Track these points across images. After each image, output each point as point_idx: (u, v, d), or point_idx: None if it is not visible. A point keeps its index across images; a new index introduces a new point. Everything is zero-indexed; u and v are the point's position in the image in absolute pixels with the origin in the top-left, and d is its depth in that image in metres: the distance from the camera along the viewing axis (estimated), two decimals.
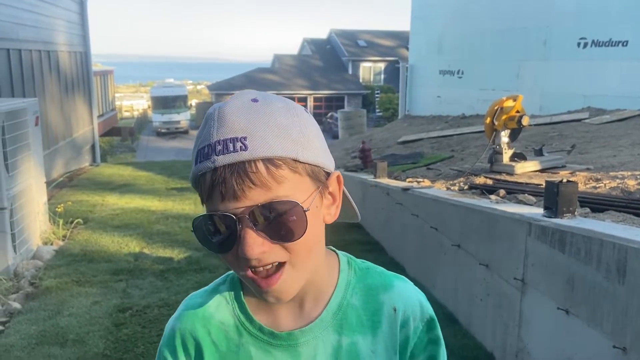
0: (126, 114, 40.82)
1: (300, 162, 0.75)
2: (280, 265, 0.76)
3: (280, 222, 0.73)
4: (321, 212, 0.80)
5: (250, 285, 0.78)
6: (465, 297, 4.05)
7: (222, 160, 0.72)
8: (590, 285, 2.61)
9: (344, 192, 0.85)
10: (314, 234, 0.78)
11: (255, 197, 0.72)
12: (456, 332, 3.92)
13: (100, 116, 16.09)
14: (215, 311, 0.87)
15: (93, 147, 13.63)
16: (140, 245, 6.10)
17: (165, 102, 32.47)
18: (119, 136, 22.64)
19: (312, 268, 0.80)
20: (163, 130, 31.44)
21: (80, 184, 9.85)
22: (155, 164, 14.19)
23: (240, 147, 0.72)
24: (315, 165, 0.77)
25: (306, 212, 0.74)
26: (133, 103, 45.06)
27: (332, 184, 0.81)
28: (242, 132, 0.72)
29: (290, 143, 0.74)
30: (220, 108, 0.76)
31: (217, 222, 0.74)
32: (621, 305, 2.41)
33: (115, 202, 8.33)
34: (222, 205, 0.73)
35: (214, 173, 0.72)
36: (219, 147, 0.72)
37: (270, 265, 0.75)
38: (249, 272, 0.76)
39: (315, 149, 0.78)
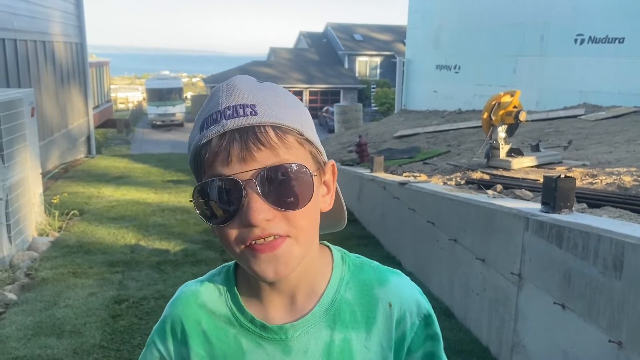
0: (121, 106, 40.63)
1: (304, 136, 0.75)
2: (282, 238, 0.74)
3: (287, 188, 0.72)
4: (319, 195, 0.79)
5: (247, 261, 0.75)
6: (462, 292, 4.07)
7: (232, 123, 0.72)
8: (587, 280, 2.62)
9: (336, 187, 0.84)
10: (315, 210, 0.77)
11: (263, 160, 0.71)
12: (452, 326, 3.94)
13: (95, 108, 16.02)
14: (208, 301, 0.86)
15: (88, 138, 13.57)
16: (137, 237, 6.10)
17: (161, 95, 32.31)
18: (114, 128, 22.56)
19: (310, 248, 0.79)
20: (158, 123, 31.31)
21: (75, 176, 9.81)
22: (151, 157, 14.15)
23: (250, 112, 0.72)
24: (316, 146, 0.78)
25: (313, 178, 0.74)
26: (128, 95, 44.83)
27: (327, 172, 0.81)
28: (252, 100, 0.73)
29: (296, 117, 0.75)
30: (229, 81, 0.77)
31: (221, 188, 0.72)
32: (617, 300, 2.43)
33: (111, 194, 8.30)
34: (228, 169, 0.71)
35: (222, 137, 0.72)
36: (229, 112, 0.72)
37: (272, 238, 0.73)
38: (249, 243, 0.73)
39: (315, 134, 0.79)
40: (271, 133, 0.72)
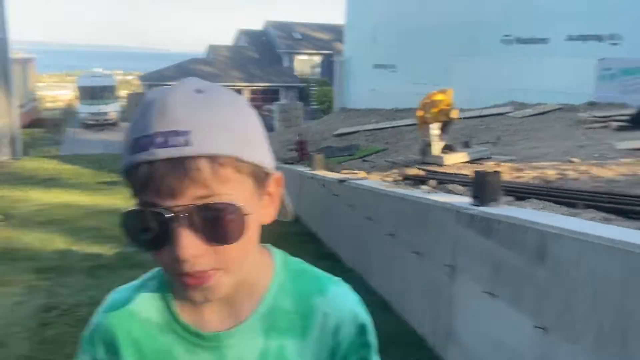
0: (49, 105, 38.69)
1: (244, 161, 0.71)
2: (212, 271, 0.72)
3: (217, 224, 0.69)
4: (259, 213, 0.77)
5: (177, 285, 0.74)
6: (399, 285, 4.17)
7: (162, 154, 0.66)
8: (514, 269, 2.76)
9: (282, 194, 0.82)
10: (250, 238, 0.75)
11: (193, 195, 0.68)
12: (390, 319, 4.03)
13: (21, 107, 15.19)
14: (140, 308, 0.83)
15: (13, 139, 12.84)
16: (67, 241, 5.84)
17: (93, 93, 31.04)
18: (43, 128, 21.50)
19: (244, 270, 0.77)
20: (91, 122, 30.09)
21: None
22: (82, 157, 13.59)
23: (184, 141, 0.66)
24: (258, 165, 0.74)
25: (245, 216, 0.71)
26: (57, 93, 42.72)
27: (271, 185, 0.78)
28: (185, 125, 0.67)
29: (235, 140, 0.70)
30: (162, 97, 0.70)
31: (150, 219, 0.69)
32: (542, 287, 2.56)
33: (39, 197, 7.91)
34: (158, 200, 0.68)
35: (151, 166, 0.67)
36: (159, 140, 0.67)
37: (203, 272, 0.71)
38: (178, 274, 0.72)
39: (258, 147, 0.75)
40: (205, 168, 0.67)
